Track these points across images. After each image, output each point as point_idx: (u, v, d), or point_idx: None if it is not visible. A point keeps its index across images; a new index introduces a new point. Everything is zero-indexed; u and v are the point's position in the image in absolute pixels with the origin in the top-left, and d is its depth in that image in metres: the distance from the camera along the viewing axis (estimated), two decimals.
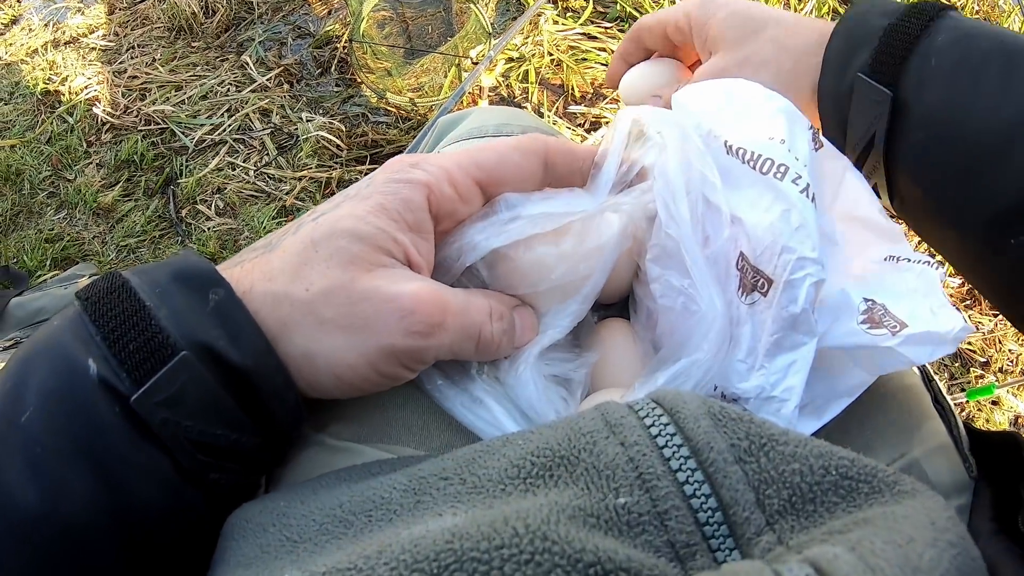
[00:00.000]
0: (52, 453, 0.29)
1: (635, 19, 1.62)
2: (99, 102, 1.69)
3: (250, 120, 1.62)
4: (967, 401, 1.27)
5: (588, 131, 1.53)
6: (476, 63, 1.53)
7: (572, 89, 1.56)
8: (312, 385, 0.34)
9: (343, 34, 1.70)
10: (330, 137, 1.54)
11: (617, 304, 0.46)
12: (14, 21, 1.92)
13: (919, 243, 1.39)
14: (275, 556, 0.29)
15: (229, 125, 1.61)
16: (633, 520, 0.25)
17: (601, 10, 1.66)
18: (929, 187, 0.39)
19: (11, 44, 1.86)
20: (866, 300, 0.37)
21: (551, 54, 1.59)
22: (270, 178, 1.54)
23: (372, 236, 0.33)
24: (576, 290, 0.38)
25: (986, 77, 0.39)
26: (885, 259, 0.40)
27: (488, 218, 0.37)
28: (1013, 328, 1.35)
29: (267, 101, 1.63)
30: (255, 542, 0.30)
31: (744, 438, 0.27)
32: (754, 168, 0.36)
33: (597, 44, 1.60)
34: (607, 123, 1.53)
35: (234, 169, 1.56)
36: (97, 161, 1.62)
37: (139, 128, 1.64)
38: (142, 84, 1.70)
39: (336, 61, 1.68)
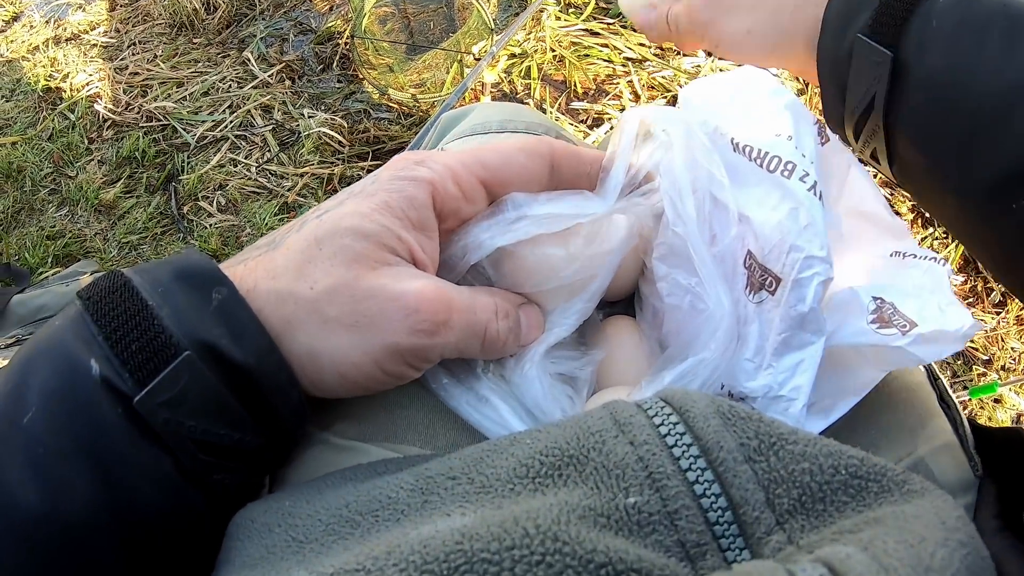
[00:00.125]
0: (54, 453, 0.29)
1: None
2: (100, 99, 1.69)
3: (252, 116, 1.61)
4: (970, 399, 1.26)
5: (590, 127, 1.53)
6: (478, 59, 1.53)
7: (574, 85, 1.56)
8: (316, 384, 0.34)
9: (345, 30, 1.69)
10: (332, 133, 1.54)
11: (622, 302, 0.46)
12: (15, 18, 1.92)
13: (923, 240, 1.39)
14: (281, 556, 0.29)
15: (231, 122, 1.61)
16: (643, 520, 0.25)
17: (603, 6, 1.66)
18: (929, 151, 0.39)
19: (12, 41, 1.86)
20: (875, 299, 0.37)
21: (553, 50, 1.58)
22: (272, 175, 1.53)
23: (376, 234, 0.33)
24: (582, 288, 0.38)
25: (988, 40, 0.38)
26: (891, 255, 0.39)
27: (494, 217, 0.37)
28: (1016, 325, 1.35)
29: (269, 97, 1.63)
30: (261, 542, 0.30)
31: (754, 437, 0.27)
32: (761, 166, 0.36)
33: (599, 40, 1.60)
34: (609, 119, 1.52)
35: (236, 166, 1.56)
36: (99, 158, 1.62)
37: (141, 125, 1.64)
38: (143, 81, 1.70)
39: (338, 57, 1.67)
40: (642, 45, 1.60)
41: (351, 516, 0.29)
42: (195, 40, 1.77)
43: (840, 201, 0.41)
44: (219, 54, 1.73)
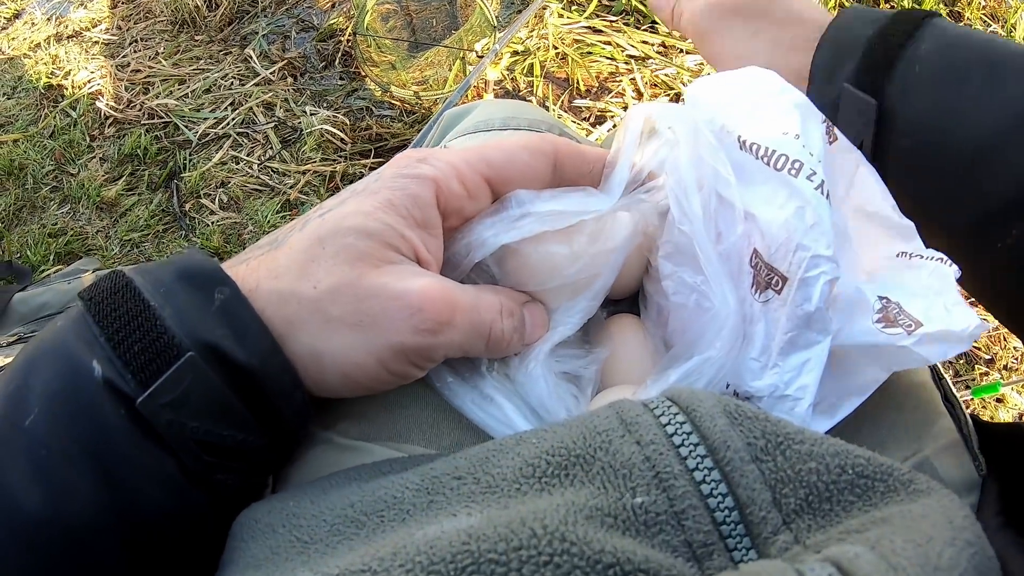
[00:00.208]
0: (56, 456, 0.29)
1: (640, 12, 1.62)
2: (102, 96, 1.69)
3: (254, 114, 1.61)
4: (972, 398, 1.26)
5: (593, 125, 1.52)
6: (481, 56, 1.52)
7: (577, 83, 1.56)
8: (319, 384, 0.34)
9: (347, 27, 1.69)
10: (334, 131, 1.54)
11: (627, 300, 0.46)
12: (17, 15, 1.91)
13: None
14: (286, 557, 0.28)
15: (233, 119, 1.61)
16: (650, 520, 0.25)
17: (606, 3, 1.66)
18: (916, 194, 0.40)
19: (14, 38, 1.86)
20: (881, 298, 0.36)
21: (556, 47, 1.58)
22: (274, 172, 1.53)
23: (380, 232, 0.33)
24: (586, 287, 0.38)
25: (969, 85, 0.39)
26: (898, 255, 0.39)
27: (498, 214, 0.36)
28: None
29: (271, 95, 1.63)
30: (264, 543, 0.30)
31: (760, 437, 0.27)
32: (768, 164, 0.36)
33: (602, 38, 1.60)
34: (612, 117, 1.52)
35: (238, 163, 1.56)
36: (100, 155, 1.62)
37: (142, 122, 1.64)
38: (145, 78, 1.70)
39: (340, 54, 1.67)
40: (645, 43, 1.59)
41: (356, 516, 0.29)
42: (197, 37, 1.77)
43: (847, 201, 0.41)
44: (221, 51, 1.73)
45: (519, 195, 0.37)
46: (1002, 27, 1.62)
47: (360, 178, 0.37)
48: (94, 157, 1.62)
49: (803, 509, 0.26)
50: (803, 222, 0.34)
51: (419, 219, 0.34)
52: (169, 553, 0.32)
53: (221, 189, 1.53)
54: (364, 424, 0.38)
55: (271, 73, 1.66)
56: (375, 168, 0.37)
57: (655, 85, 1.57)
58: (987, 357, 1.35)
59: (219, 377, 0.31)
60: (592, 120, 1.53)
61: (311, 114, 1.58)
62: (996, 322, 1.36)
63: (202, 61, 1.72)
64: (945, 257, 0.37)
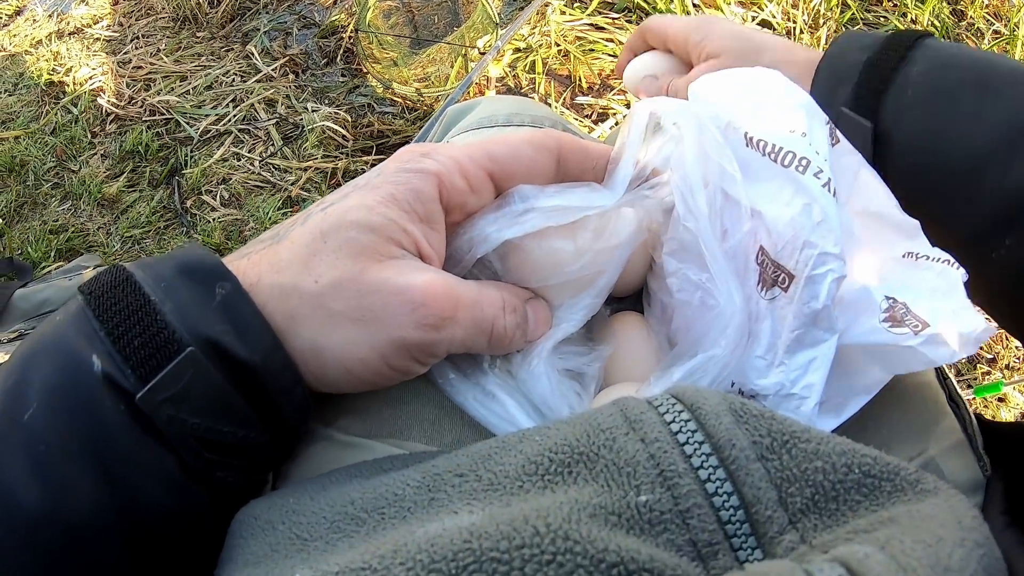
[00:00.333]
0: (55, 451, 0.29)
1: (642, 9, 1.61)
2: (104, 93, 1.69)
3: (255, 110, 1.61)
4: (974, 398, 1.26)
5: (595, 122, 1.52)
6: (483, 53, 1.52)
7: (579, 80, 1.55)
8: (320, 379, 0.34)
9: (349, 24, 1.69)
10: (336, 127, 1.53)
11: (630, 297, 0.46)
12: (18, 12, 1.91)
13: None
14: (285, 555, 0.28)
15: (234, 115, 1.60)
16: (655, 519, 0.25)
17: (608, 1, 1.65)
18: (913, 209, 0.41)
19: (15, 35, 1.85)
20: (888, 298, 0.36)
21: (558, 44, 1.57)
22: (275, 168, 1.53)
23: (382, 227, 0.33)
24: (590, 283, 0.38)
25: (960, 104, 0.41)
26: (904, 256, 0.39)
27: (501, 210, 0.36)
28: None
29: (272, 91, 1.62)
30: (264, 540, 0.29)
31: (766, 435, 0.27)
32: (775, 161, 0.36)
33: (604, 35, 1.59)
34: (614, 114, 1.52)
35: (239, 160, 1.55)
36: (102, 152, 1.62)
37: (144, 119, 1.64)
38: (147, 74, 1.70)
39: (342, 51, 1.67)
40: None
41: (356, 513, 0.29)
42: (198, 34, 1.76)
43: (851, 201, 0.41)
44: (223, 48, 1.73)
45: (522, 190, 0.36)
46: (1005, 26, 1.61)
47: (362, 175, 0.36)
48: (95, 154, 1.62)
49: (809, 508, 0.25)
50: (810, 219, 0.34)
51: (421, 214, 0.34)
52: (169, 550, 0.31)
53: (222, 186, 1.53)
54: (365, 420, 0.37)
55: (273, 70, 1.66)
56: (376, 165, 0.36)
57: None
58: (989, 356, 1.34)
59: (220, 373, 0.30)
60: (594, 117, 1.53)
61: (312, 111, 1.58)
62: None
63: (204, 58, 1.72)
64: (952, 259, 0.37)
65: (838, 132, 0.39)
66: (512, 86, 1.57)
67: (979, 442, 0.40)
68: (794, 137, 0.36)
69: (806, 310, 0.34)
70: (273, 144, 1.56)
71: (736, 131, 0.38)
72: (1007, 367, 1.34)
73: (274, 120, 1.59)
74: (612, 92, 1.55)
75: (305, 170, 1.51)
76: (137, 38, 1.78)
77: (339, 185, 1.48)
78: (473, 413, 0.37)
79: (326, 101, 1.61)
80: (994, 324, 0.36)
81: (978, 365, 1.34)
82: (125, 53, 1.75)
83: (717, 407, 0.27)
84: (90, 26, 1.83)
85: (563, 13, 1.62)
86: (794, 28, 1.57)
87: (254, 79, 1.65)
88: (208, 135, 1.60)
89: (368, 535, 0.27)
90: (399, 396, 0.38)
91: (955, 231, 0.42)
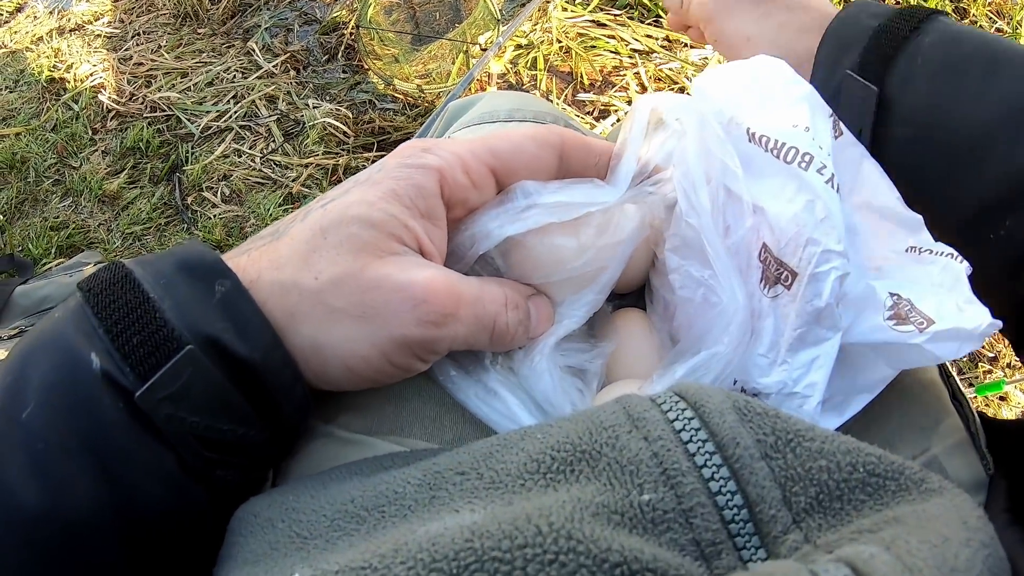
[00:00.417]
0: (54, 450, 0.28)
1: (643, 6, 1.61)
2: (104, 89, 1.68)
3: (256, 107, 1.61)
4: (975, 396, 1.26)
5: (597, 119, 1.52)
6: (484, 50, 1.52)
7: (581, 76, 1.55)
8: (320, 376, 0.33)
9: (350, 20, 1.68)
10: (337, 124, 1.53)
11: (632, 294, 0.46)
12: (19, 9, 1.91)
13: None
14: (284, 553, 0.28)
15: (235, 112, 1.60)
16: (658, 518, 0.24)
17: None
18: (912, 182, 0.41)
19: (16, 32, 1.85)
20: (892, 295, 0.36)
21: (560, 41, 1.57)
22: (276, 165, 1.53)
23: (383, 222, 0.32)
24: (593, 280, 0.38)
25: (968, 78, 0.41)
26: (907, 250, 0.39)
27: (503, 205, 0.36)
28: None
29: (273, 88, 1.62)
30: (263, 538, 0.29)
31: (770, 433, 0.26)
32: (778, 157, 0.35)
33: (606, 31, 1.59)
34: (616, 111, 1.52)
35: (240, 156, 1.55)
36: (102, 148, 1.62)
37: (145, 115, 1.64)
38: (148, 71, 1.70)
39: (343, 47, 1.67)
40: (649, 37, 1.59)
41: (356, 511, 0.29)
42: (199, 30, 1.76)
43: (853, 195, 0.40)
44: (223, 44, 1.73)
45: (525, 186, 0.36)
46: (1008, 24, 1.61)
47: (362, 171, 0.36)
48: (96, 150, 1.62)
49: (813, 508, 0.25)
50: (813, 216, 0.34)
51: (423, 209, 0.34)
52: (168, 549, 0.31)
53: (223, 182, 1.53)
54: (366, 417, 0.37)
55: (274, 66, 1.66)
56: (378, 161, 0.36)
57: (659, 79, 1.56)
58: (991, 355, 1.34)
59: (219, 371, 0.30)
60: (596, 114, 1.53)
61: (314, 107, 1.58)
62: None
63: (204, 54, 1.71)
64: (955, 252, 0.37)
65: (841, 124, 0.38)
66: (513, 82, 1.56)
67: (982, 441, 0.40)
68: (797, 132, 0.36)
69: (809, 308, 0.34)
70: (274, 140, 1.56)
71: (739, 127, 0.37)
72: (1008, 366, 1.33)
73: (275, 117, 1.59)
74: (613, 89, 1.54)
75: (306, 167, 1.51)
76: (138, 34, 1.78)
77: (340, 182, 1.47)
78: (475, 410, 0.37)
79: (327, 97, 1.60)
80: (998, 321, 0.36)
81: (979, 364, 1.33)
82: (126, 50, 1.75)
83: (721, 405, 0.27)
84: (91, 23, 1.82)
85: (565, 10, 1.61)
86: None
87: (255, 75, 1.65)
88: (209, 132, 1.60)
89: (368, 533, 0.27)
90: (400, 393, 0.38)
91: (953, 210, 0.41)
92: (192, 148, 1.58)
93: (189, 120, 1.61)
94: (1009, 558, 0.25)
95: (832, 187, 0.34)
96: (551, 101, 1.53)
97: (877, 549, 0.22)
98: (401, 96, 1.58)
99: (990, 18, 1.62)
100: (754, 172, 0.37)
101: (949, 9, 1.61)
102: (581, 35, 1.59)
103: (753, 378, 0.36)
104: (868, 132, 0.44)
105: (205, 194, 1.52)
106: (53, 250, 1.49)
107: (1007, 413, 1.30)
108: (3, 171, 1.61)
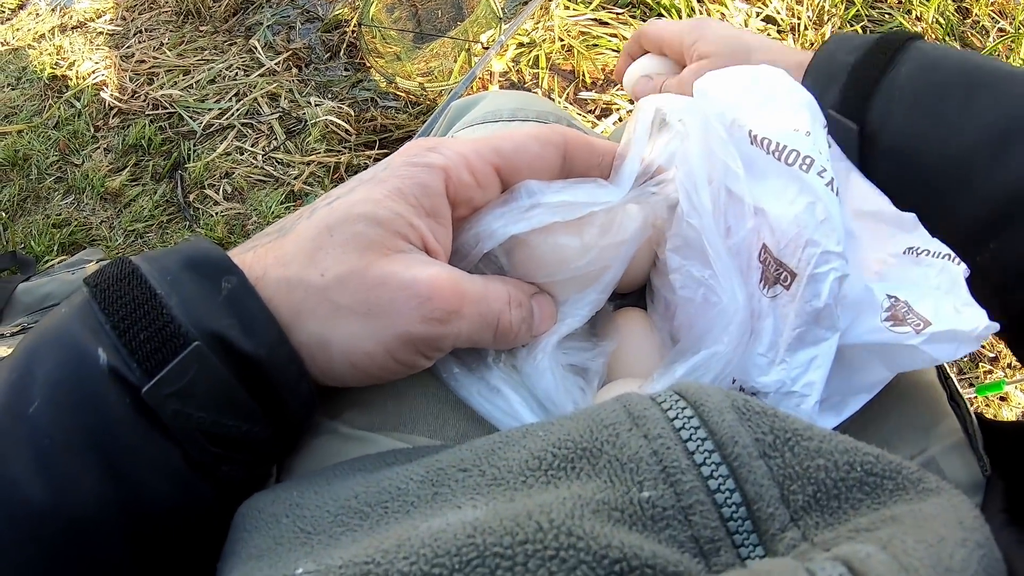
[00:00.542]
0: (60, 446, 0.28)
1: (645, 4, 1.61)
2: (107, 87, 1.68)
3: (258, 104, 1.61)
4: (976, 397, 1.26)
5: (599, 117, 1.52)
6: (486, 48, 1.52)
7: (583, 75, 1.55)
8: (326, 373, 0.34)
9: (352, 18, 1.68)
10: (339, 122, 1.53)
11: (634, 293, 0.46)
12: (21, 6, 1.91)
13: None
14: (289, 548, 0.28)
15: (237, 109, 1.60)
16: (657, 515, 0.25)
17: None
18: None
19: (18, 29, 1.85)
20: (889, 297, 0.36)
21: (562, 39, 1.57)
22: (278, 163, 1.53)
23: (389, 221, 0.33)
24: (595, 279, 0.38)
25: (946, 105, 0.41)
26: (904, 252, 0.39)
27: (507, 205, 0.36)
28: None
29: (275, 85, 1.62)
30: (268, 533, 0.29)
31: (769, 432, 0.27)
32: (779, 159, 0.36)
33: (608, 30, 1.59)
34: (617, 110, 1.52)
35: (242, 154, 1.55)
36: (105, 146, 1.62)
37: (147, 113, 1.64)
38: (150, 68, 1.70)
39: (345, 45, 1.67)
40: None
41: (360, 507, 0.29)
42: (201, 28, 1.76)
43: (845, 204, 0.41)
44: (225, 42, 1.73)
45: (529, 185, 0.36)
46: (1010, 24, 1.61)
47: (365, 169, 0.36)
48: (98, 147, 1.62)
49: (811, 506, 0.25)
50: (813, 218, 0.34)
51: (428, 208, 0.34)
52: (173, 544, 0.31)
53: (225, 180, 1.53)
54: (369, 414, 0.37)
55: (276, 64, 1.66)
56: (379, 159, 0.36)
57: None
58: (991, 355, 1.34)
59: (225, 367, 0.30)
60: (597, 113, 1.53)
61: (316, 105, 1.58)
62: None
63: (207, 52, 1.72)
64: (953, 254, 0.37)
65: (830, 138, 0.39)
66: (515, 81, 1.57)
67: (979, 442, 0.40)
68: (798, 136, 0.36)
69: (808, 308, 0.34)
70: (276, 138, 1.56)
71: (741, 129, 0.38)
72: (1009, 366, 1.33)
73: (277, 114, 1.59)
74: (615, 88, 1.55)
75: (308, 164, 1.51)
76: (140, 32, 1.78)
77: (342, 179, 1.48)
78: (477, 408, 0.37)
79: (329, 95, 1.60)
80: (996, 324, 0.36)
81: (980, 364, 1.34)
82: (128, 47, 1.75)
83: (720, 404, 0.27)
84: (93, 20, 1.82)
85: (567, 8, 1.61)
86: (799, 24, 1.56)
87: (257, 73, 1.65)
88: (211, 129, 1.60)
89: (371, 529, 0.28)
90: (403, 390, 0.38)
91: (941, 235, 0.41)
92: (194, 146, 1.58)
93: (191, 118, 1.61)
94: (1005, 558, 0.25)
95: (832, 190, 0.34)
96: (553, 99, 1.53)
97: (873, 548, 0.22)
98: (403, 94, 1.58)
99: (992, 18, 1.62)
100: (756, 174, 0.37)
101: (951, 9, 1.61)
102: (583, 33, 1.59)
103: (752, 377, 0.37)
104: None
105: (207, 192, 1.52)
106: (55, 247, 1.50)
107: (1007, 414, 1.30)
108: (5, 168, 1.61)
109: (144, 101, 1.65)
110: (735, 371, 0.37)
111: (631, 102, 1.51)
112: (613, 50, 1.57)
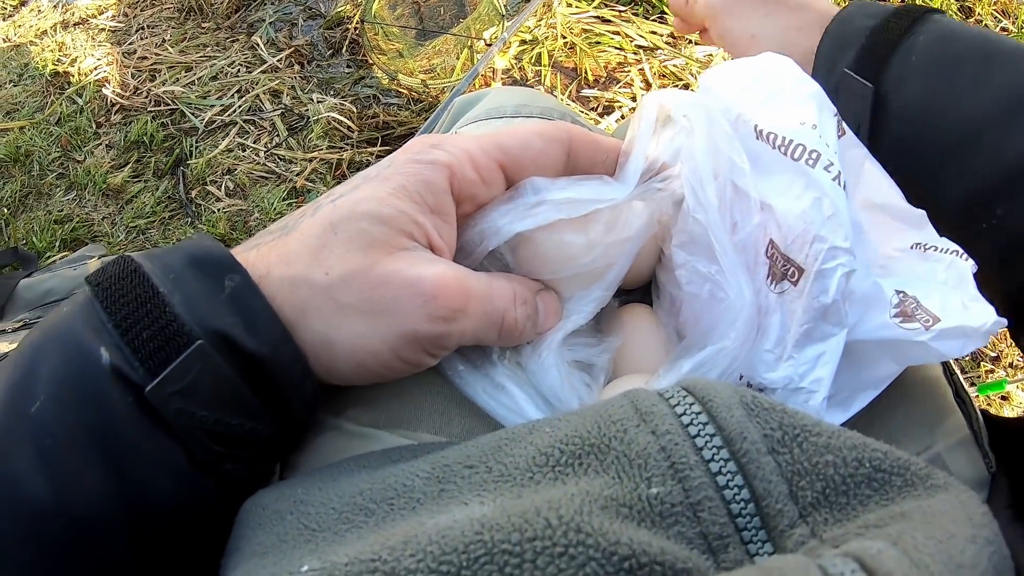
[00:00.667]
0: (63, 444, 0.28)
1: (649, 2, 1.61)
2: (109, 83, 1.68)
3: (260, 101, 1.61)
4: (978, 396, 1.26)
5: (601, 115, 1.52)
6: (489, 45, 1.52)
7: (585, 72, 1.55)
8: (330, 371, 0.33)
9: (354, 15, 1.68)
10: (341, 118, 1.53)
11: (639, 289, 0.46)
12: (23, 3, 1.91)
13: None
14: (293, 545, 0.28)
15: (239, 106, 1.60)
16: (666, 511, 0.25)
17: None
18: (907, 176, 0.41)
19: (20, 26, 1.85)
20: (898, 292, 0.36)
21: (564, 37, 1.57)
22: (280, 159, 1.53)
23: (393, 218, 0.32)
24: (600, 276, 0.38)
25: (961, 74, 0.42)
26: (912, 247, 0.39)
27: (512, 202, 0.36)
28: None
29: (277, 82, 1.62)
30: (272, 530, 0.29)
31: (777, 428, 0.26)
32: (785, 154, 0.35)
33: (611, 27, 1.58)
34: (620, 108, 1.51)
35: (244, 150, 1.55)
36: (107, 142, 1.62)
37: (149, 109, 1.64)
38: (152, 65, 1.70)
39: (347, 42, 1.66)
40: (654, 33, 1.58)
41: (365, 504, 0.29)
42: (204, 24, 1.76)
43: (856, 193, 0.40)
44: (228, 38, 1.72)
45: (534, 182, 0.36)
46: (1013, 23, 1.60)
47: (367, 166, 0.36)
48: (100, 144, 1.62)
49: (820, 502, 0.25)
50: (820, 213, 0.34)
51: (432, 205, 0.34)
52: (176, 543, 0.31)
53: (227, 176, 1.53)
54: (374, 411, 0.37)
55: (278, 60, 1.66)
56: (382, 156, 0.36)
57: (663, 76, 1.56)
58: (993, 355, 1.34)
59: (229, 366, 0.30)
60: (600, 110, 1.53)
61: (318, 102, 1.58)
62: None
63: (209, 48, 1.71)
64: (960, 250, 0.37)
65: (844, 125, 0.39)
66: (518, 78, 1.56)
67: (985, 439, 0.40)
68: (804, 130, 0.36)
69: (815, 304, 0.34)
70: (278, 135, 1.56)
71: (746, 124, 0.38)
72: (1011, 365, 1.33)
73: (279, 111, 1.59)
74: (618, 85, 1.54)
75: (310, 161, 1.51)
76: (142, 28, 1.77)
77: (344, 176, 1.48)
78: (482, 405, 0.37)
79: (331, 92, 1.60)
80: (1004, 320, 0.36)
81: (982, 363, 1.33)
82: (130, 43, 1.75)
83: (729, 400, 0.27)
84: (95, 16, 1.82)
85: (569, 5, 1.61)
86: None
87: (259, 70, 1.65)
88: (213, 125, 1.60)
89: (377, 526, 0.27)
90: (408, 387, 0.38)
91: (947, 201, 0.42)
92: (196, 142, 1.58)
93: (193, 114, 1.61)
94: (1012, 555, 0.25)
95: (839, 184, 0.34)
96: (555, 97, 1.53)
97: (884, 544, 0.22)
98: (405, 91, 1.58)
99: (995, 17, 1.61)
100: (761, 169, 0.37)
101: (954, 8, 1.60)
102: (586, 31, 1.59)
103: (759, 373, 0.36)
104: (866, 128, 0.45)
105: (209, 188, 1.52)
106: (57, 243, 1.50)
107: (1009, 412, 1.30)
108: (7, 164, 1.61)
109: (146, 97, 1.65)
110: (742, 367, 0.36)
111: (633, 99, 1.51)
112: (616, 48, 1.56)
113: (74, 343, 0.30)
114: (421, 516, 0.26)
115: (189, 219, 1.50)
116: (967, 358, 1.34)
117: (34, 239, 1.50)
